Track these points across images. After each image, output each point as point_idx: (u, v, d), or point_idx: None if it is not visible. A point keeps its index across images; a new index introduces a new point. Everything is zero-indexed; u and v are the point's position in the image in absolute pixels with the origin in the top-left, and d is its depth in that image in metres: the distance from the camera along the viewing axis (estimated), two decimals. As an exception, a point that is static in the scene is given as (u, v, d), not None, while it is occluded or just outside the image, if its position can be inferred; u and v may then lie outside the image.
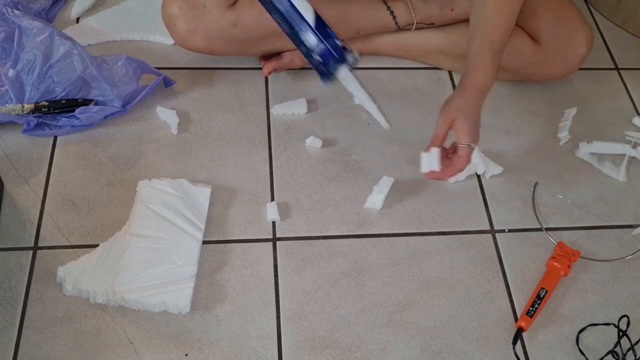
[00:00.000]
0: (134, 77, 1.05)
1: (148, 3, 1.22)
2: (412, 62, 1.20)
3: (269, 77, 1.14)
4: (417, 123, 1.10)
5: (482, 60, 0.92)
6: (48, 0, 1.19)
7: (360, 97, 0.88)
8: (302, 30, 0.79)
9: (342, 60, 0.81)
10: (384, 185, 0.99)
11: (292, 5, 0.77)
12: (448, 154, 0.94)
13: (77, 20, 1.21)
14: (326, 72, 0.81)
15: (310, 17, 0.77)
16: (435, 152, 0.91)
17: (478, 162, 1.03)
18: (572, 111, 1.15)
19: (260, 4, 0.83)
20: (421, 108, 1.13)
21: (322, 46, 0.79)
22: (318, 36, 0.79)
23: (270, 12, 0.81)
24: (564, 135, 1.11)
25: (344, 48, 0.81)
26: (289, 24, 0.79)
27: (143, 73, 1.07)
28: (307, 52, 0.79)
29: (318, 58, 0.79)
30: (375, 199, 0.98)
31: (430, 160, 0.91)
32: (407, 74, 1.19)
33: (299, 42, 0.80)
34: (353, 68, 0.84)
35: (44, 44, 1.01)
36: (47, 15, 1.18)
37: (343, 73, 0.83)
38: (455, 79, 1.18)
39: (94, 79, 1.02)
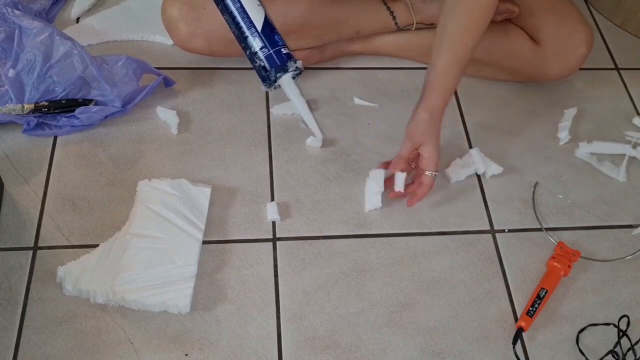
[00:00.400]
0: (134, 77, 1.05)
1: (148, 3, 1.22)
2: (412, 62, 1.20)
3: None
4: (417, 123, 1.10)
5: (449, 80, 0.91)
6: (48, 0, 1.19)
7: (298, 105, 0.90)
8: (249, 34, 0.81)
9: (284, 68, 0.82)
10: (375, 181, 0.98)
11: (243, 8, 0.78)
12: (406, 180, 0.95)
13: (77, 20, 1.21)
14: (267, 78, 0.82)
15: (259, 22, 0.79)
16: (401, 175, 0.94)
17: (478, 162, 1.03)
18: (572, 111, 1.15)
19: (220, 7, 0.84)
20: (421, 108, 1.13)
21: (266, 52, 0.80)
22: (264, 42, 0.80)
23: (222, 12, 0.81)
24: (564, 135, 1.11)
25: (288, 56, 0.82)
26: (238, 26, 0.80)
27: (143, 73, 1.07)
28: (251, 56, 0.80)
29: (261, 63, 0.81)
30: (373, 199, 0.98)
31: (399, 181, 0.94)
32: (407, 74, 1.19)
33: (245, 45, 0.81)
34: (296, 76, 0.85)
35: (44, 44, 1.01)
36: (47, 15, 1.18)
37: (284, 80, 0.84)
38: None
39: (94, 79, 1.02)
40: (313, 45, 1.11)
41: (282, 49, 0.81)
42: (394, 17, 1.10)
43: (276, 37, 0.81)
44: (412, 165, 0.97)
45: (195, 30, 1.04)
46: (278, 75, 0.84)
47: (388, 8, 1.09)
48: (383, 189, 0.97)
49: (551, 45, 1.08)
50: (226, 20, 0.84)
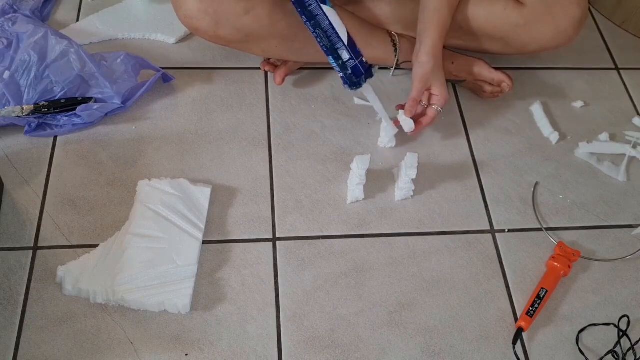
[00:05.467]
0: (133, 73, 1.05)
1: (149, 2, 1.22)
2: (412, 62, 1.20)
3: (268, 75, 1.14)
4: (417, 123, 1.10)
5: (443, 17, 0.98)
6: (40, -1, 1.18)
7: (377, 106, 1.02)
8: (339, 47, 0.94)
9: (370, 74, 0.98)
10: (361, 163, 0.96)
11: (332, 25, 0.93)
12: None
13: (78, 18, 1.21)
14: (357, 84, 0.98)
15: (344, 37, 0.94)
16: (409, 121, 1.02)
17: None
18: (538, 107, 1.14)
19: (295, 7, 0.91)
20: (421, 108, 1.13)
21: (352, 63, 0.96)
22: (350, 53, 0.95)
23: (314, 28, 0.92)
24: (551, 135, 1.10)
25: (367, 64, 0.98)
26: (330, 40, 0.94)
27: (142, 69, 1.07)
28: (342, 65, 0.96)
29: (349, 71, 0.96)
30: (356, 191, 0.98)
31: (408, 124, 1.02)
32: (407, 74, 1.18)
33: (336, 56, 0.95)
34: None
35: (38, 44, 1.01)
36: (42, 14, 1.18)
37: (367, 85, 0.99)
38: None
39: (92, 76, 1.02)
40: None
41: (363, 58, 0.97)
42: None
43: (357, 49, 0.96)
44: (423, 104, 1.02)
45: (206, 8, 0.96)
46: (364, 80, 0.98)
47: None
48: (365, 181, 0.97)
49: (537, 5, 1.01)
50: (315, 35, 0.93)
